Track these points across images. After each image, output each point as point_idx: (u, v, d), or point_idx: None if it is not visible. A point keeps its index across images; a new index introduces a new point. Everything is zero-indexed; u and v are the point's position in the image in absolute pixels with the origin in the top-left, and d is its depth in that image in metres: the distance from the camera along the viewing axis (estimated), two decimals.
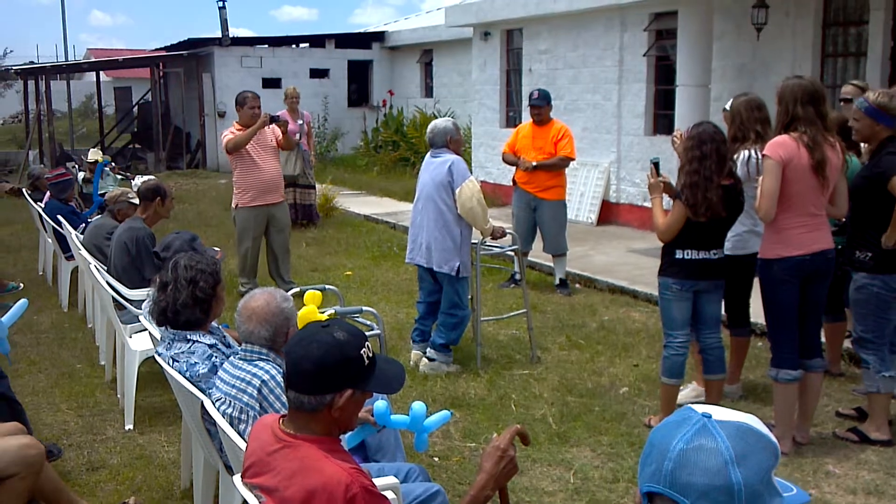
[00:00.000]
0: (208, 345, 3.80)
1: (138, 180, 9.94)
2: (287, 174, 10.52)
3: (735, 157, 5.15)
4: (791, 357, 4.81)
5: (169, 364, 3.75)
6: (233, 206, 8.35)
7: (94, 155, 11.98)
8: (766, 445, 1.47)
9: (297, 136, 11.41)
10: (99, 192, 10.38)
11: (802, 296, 4.76)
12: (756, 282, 5.01)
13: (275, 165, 8.29)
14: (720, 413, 1.50)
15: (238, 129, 8.08)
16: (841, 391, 5.82)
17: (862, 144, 5.39)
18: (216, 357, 3.74)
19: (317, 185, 12.73)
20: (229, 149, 7.97)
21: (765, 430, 1.50)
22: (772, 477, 1.48)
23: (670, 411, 4.57)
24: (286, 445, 2.45)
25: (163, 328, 3.99)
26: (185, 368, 3.70)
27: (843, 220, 5.15)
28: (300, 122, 11.86)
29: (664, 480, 1.45)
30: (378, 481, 2.86)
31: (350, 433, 3.11)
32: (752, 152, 5.20)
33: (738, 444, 1.44)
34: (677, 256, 4.92)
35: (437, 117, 9.88)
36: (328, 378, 2.42)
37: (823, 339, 5.64)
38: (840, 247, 4.98)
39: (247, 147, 7.97)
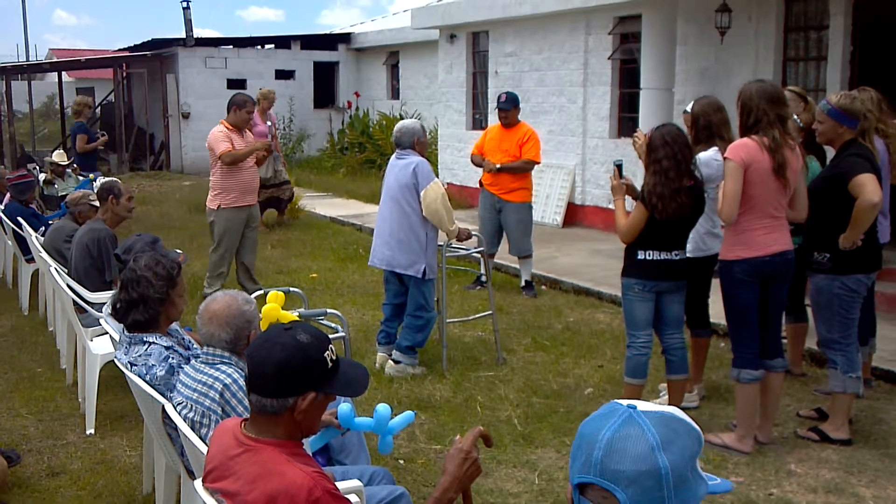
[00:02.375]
0: (164, 346, 3.76)
1: (100, 182, 9.81)
2: (260, 177, 10.47)
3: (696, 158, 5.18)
4: (752, 357, 4.85)
5: (128, 369, 3.70)
6: (212, 207, 8.14)
7: (59, 157, 11.81)
8: (689, 432, 1.54)
9: (268, 136, 11.34)
10: (60, 194, 10.25)
11: (763, 296, 4.80)
12: (717, 283, 5.04)
13: (254, 168, 8.33)
14: (645, 405, 1.55)
15: (230, 129, 8.03)
16: (803, 391, 5.89)
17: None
18: (173, 358, 3.70)
19: None
20: (227, 162, 7.91)
21: (688, 418, 1.57)
22: (696, 464, 1.54)
23: None
24: (248, 449, 2.43)
25: (122, 332, 3.94)
26: (143, 372, 3.66)
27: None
28: (268, 123, 11.80)
29: (594, 470, 1.50)
30: (342, 485, 2.85)
31: (313, 436, 3.09)
32: (713, 154, 5.25)
33: (663, 431, 1.50)
34: (639, 257, 4.96)
35: (403, 119, 9.85)
36: (290, 381, 2.40)
37: (785, 340, 5.70)
38: (797, 245, 5.02)
39: (233, 149, 7.95)
